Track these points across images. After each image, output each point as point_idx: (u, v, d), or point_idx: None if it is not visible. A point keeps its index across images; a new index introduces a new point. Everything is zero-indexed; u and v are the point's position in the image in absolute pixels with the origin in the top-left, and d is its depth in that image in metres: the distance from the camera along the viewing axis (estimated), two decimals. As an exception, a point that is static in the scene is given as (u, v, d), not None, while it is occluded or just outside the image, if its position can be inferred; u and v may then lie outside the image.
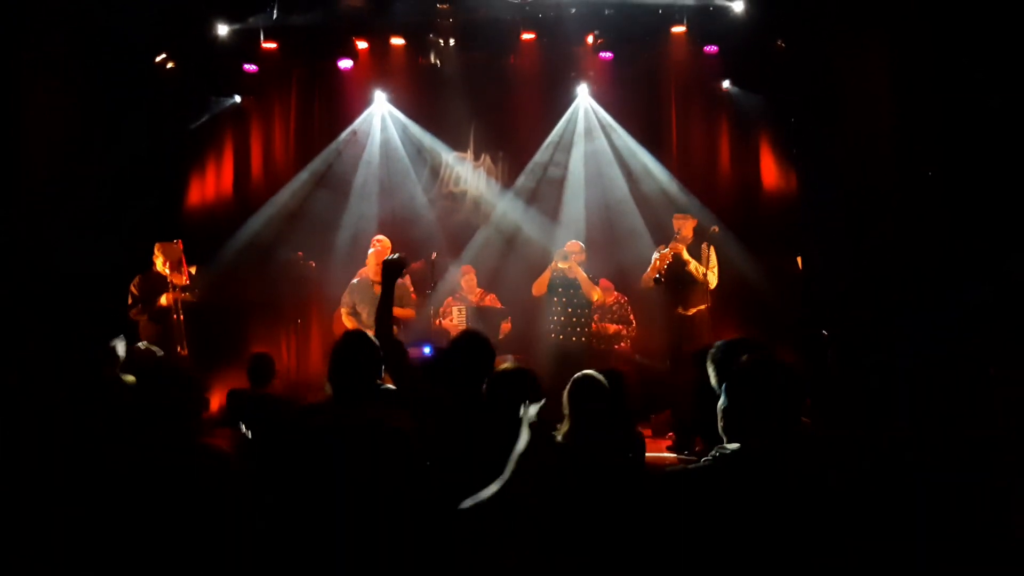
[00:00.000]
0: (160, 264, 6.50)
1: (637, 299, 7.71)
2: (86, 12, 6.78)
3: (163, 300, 6.42)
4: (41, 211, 6.36)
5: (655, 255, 7.05)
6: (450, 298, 7.62)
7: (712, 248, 7.06)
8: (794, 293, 7.65)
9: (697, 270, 6.92)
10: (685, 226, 7.06)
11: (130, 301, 6.49)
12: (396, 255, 3.55)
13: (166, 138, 7.90)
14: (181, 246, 6.57)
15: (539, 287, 7.19)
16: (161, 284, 6.47)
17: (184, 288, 6.46)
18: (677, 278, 6.93)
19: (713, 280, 7.00)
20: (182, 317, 6.41)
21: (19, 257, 6.05)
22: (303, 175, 8.60)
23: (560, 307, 7.11)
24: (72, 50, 6.81)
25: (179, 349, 6.31)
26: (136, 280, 6.53)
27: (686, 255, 6.93)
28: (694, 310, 6.99)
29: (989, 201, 5.97)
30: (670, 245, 6.96)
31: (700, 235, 7.10)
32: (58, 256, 6.15)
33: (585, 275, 7.10)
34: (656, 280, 6.91)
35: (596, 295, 7.17)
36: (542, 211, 8.54)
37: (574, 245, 7.25)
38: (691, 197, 8.12)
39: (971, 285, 5.41)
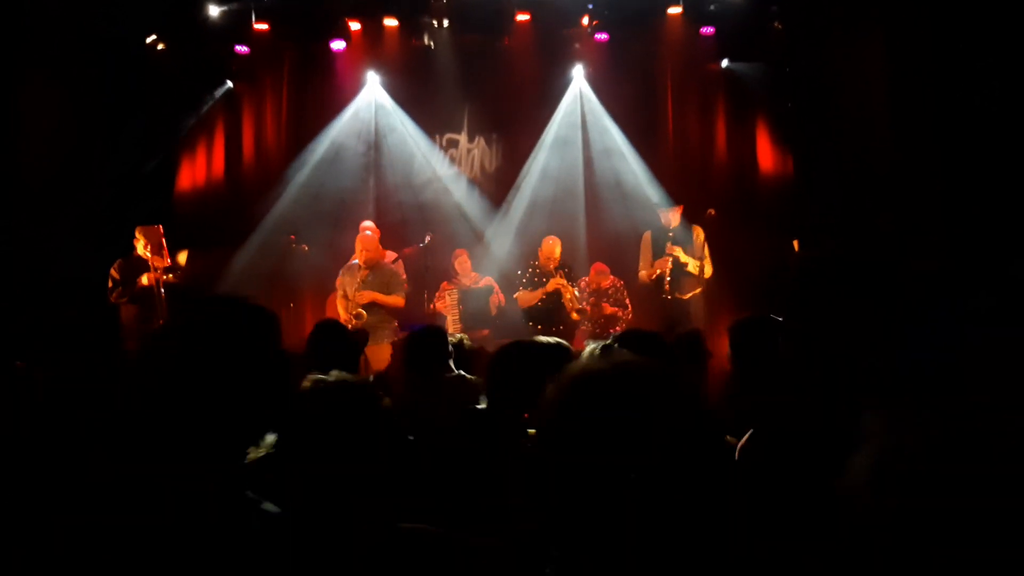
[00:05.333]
0: (141, 248, 6.55)
1: (632, 283, 7.68)
2: (82, 3, 6.73)
3: (144, 280, 6.47)
4: (39, 214, 6.39)
5: (643, 244, 7.14)
6: (445, 282, 7.56)
7: (703, 233, 7.06)
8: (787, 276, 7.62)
9: (696, 268, 6.95)
10: (674, 218, 7.08)
11: (110, 285, 6.53)
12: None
13: (161, 132, 7.86)
14: (162, 230, 6.63)
15: (527, 301, 7.08)
16: (142, 266, 6.51)
17: (166, 270, 6.52)
18: (672, 270, 6.97)
19: (709, 270, 7.04)
20: (164, 296, 6.46)
21: (18, 260, 6.07)
22: (300, 163, 8.50)
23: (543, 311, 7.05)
24: (68, 44, 6.76)
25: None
26: (117, 264, 6.57)
27: (683, 257, 6.92)
28: (690, 295, 7.04)
29: (988, 184, 5.91)
30: (666, 249, 6.92)
31: (688, 218, 7.11)
32: (59, 260, 6.18)
33: (573, 290, 7.02)
34: (659, 278, 6.95)
35: (576, 315, 7.07)
36: (536, 195, 8.46)
37: (553, 244, 7.13)
38: (685, 179, 8.06)
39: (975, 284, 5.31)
